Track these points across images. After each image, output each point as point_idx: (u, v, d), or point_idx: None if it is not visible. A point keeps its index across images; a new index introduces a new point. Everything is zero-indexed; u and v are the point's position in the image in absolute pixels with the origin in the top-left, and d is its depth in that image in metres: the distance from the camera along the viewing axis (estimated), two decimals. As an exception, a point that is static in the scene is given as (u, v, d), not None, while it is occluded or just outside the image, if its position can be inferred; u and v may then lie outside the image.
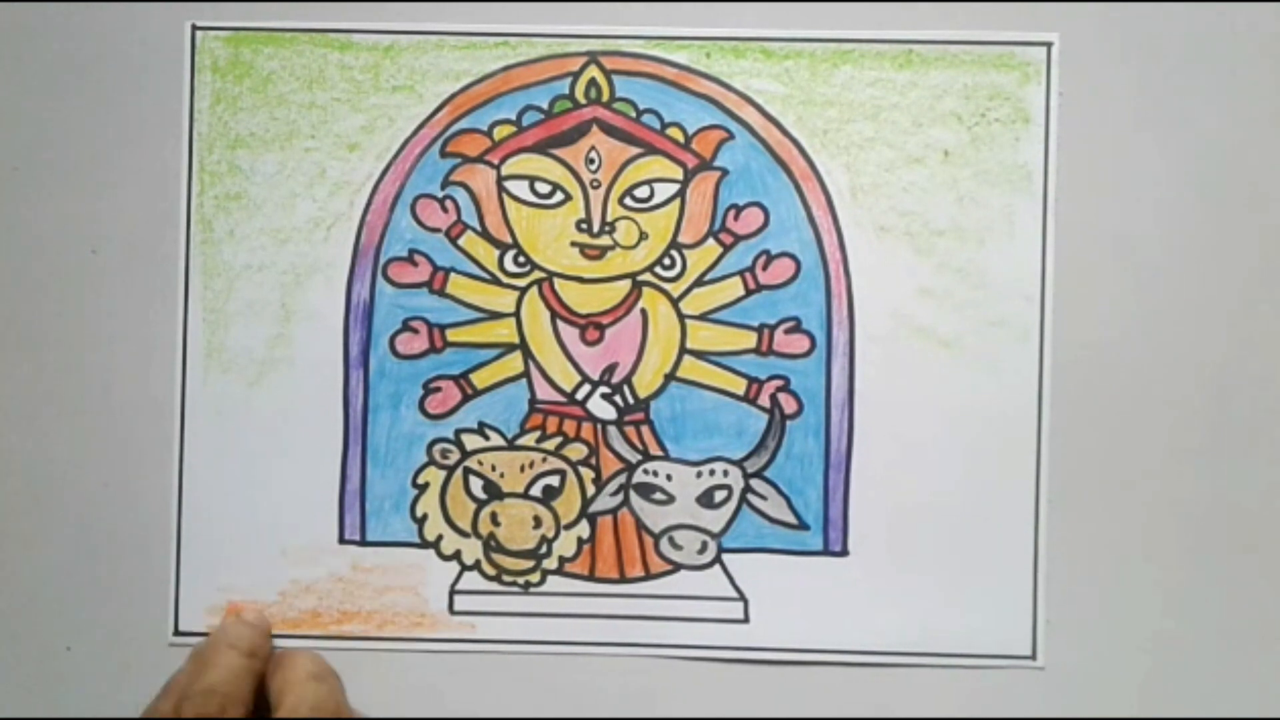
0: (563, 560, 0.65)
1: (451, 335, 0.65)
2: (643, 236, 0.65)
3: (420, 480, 0.65)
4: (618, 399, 0.65)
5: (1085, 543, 0.64)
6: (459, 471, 0.65)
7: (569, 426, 0.65)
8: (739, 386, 0.65)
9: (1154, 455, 0.64)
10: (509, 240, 0.65)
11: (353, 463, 0.65)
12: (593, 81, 0.65)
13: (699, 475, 0.65)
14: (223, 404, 0.65)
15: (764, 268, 0.65)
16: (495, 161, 0.65)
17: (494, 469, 0.65)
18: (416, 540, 0.65)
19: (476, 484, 0.65)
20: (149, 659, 0.65)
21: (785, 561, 0.65)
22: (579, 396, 0.65)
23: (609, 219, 0.65)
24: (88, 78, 0.65)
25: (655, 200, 0.65)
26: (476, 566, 0.65)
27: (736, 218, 0.65)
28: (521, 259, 0.65)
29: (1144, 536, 0.64)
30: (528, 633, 0.65)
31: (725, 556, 0.65)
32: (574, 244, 0.65)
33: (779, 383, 0.65)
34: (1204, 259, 0.64)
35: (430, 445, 0.65)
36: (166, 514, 0.65)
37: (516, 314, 0.65)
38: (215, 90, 0.65)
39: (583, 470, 0.65)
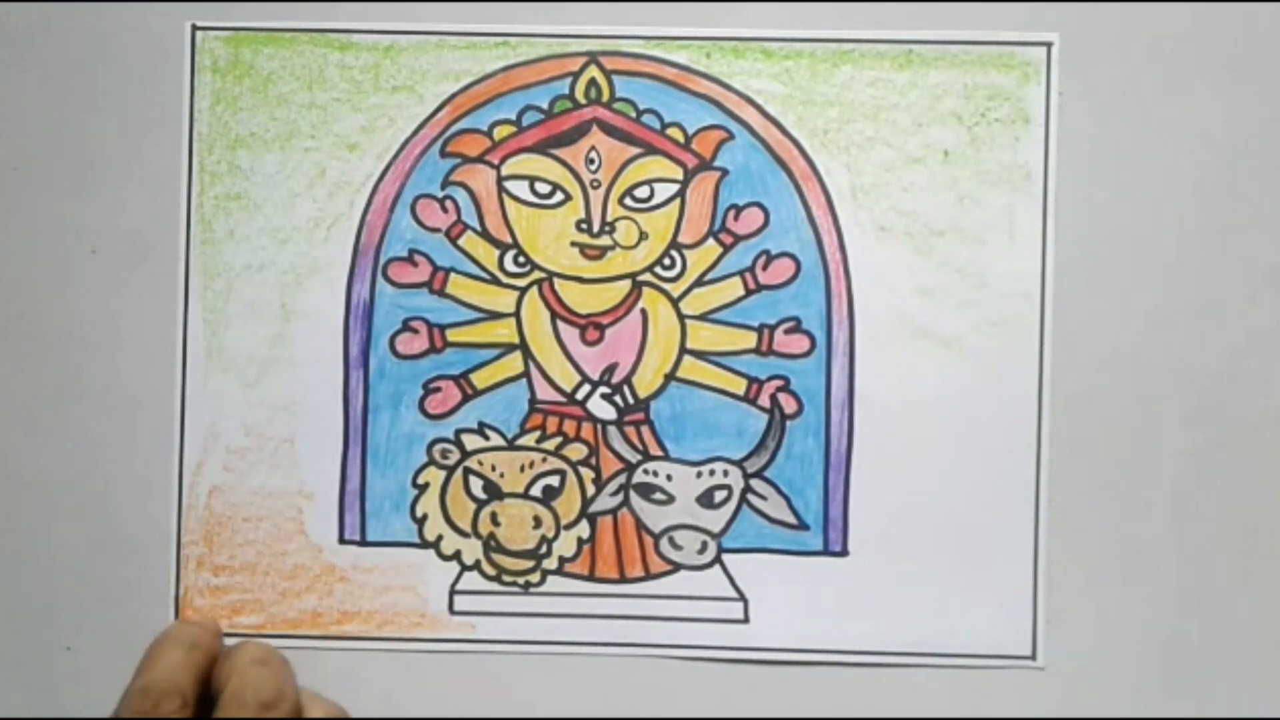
0: (563, 560, 0.65)
1: (451, 335, 0.65)
2: (643, 236, 0.65)
3: (420, 480, 0.65)
4: (618, 399, 0.65)
5: (1085, 543, 0.64)
6: (459, 471, 0.65)
7: (569, 426, 0.65)
8: (739, 386, 0.65)
9: (1154, 455, 0.64)
10: (509, 240, 0.65)
11: (353, 463, 0.65)
12: (593, 81, 0.65)
13: (699, 475, 0.65)
14: (223, 404, 0.65)
15: (764, 268, 0.65)
16: (495, 161, 0.65)
17: (494, 469, 0.65)
18: (416, 540, 0.65)
19: (476, 484, 0.65)
20: (149, 659, 0.65)
21: (785, 561, 0.65)
22: (579, 396, 0.65)
23: (609, 219, 0.65)
24: (88, 78, 0.65)
25: (655, 200, 0.65)
26: (476, 566, 0.65)
27: (736, 218, 0.65)
28: (521, 259, 0.65)
29: (1144, 536, 0.64)
30: (528, 633, 0.65)
31: (725, 556, 0.65)
32: (574, 244, 0.65)
33: (779, 383, 0.65)
34: (1204, 259, 0.64)
35: (430, 445, 0.65)
36: (166, 514, 0.65)
37: (516, 314, 0.65)
38: (215, 90, 0.65)
39: (583, 470, 0.65)
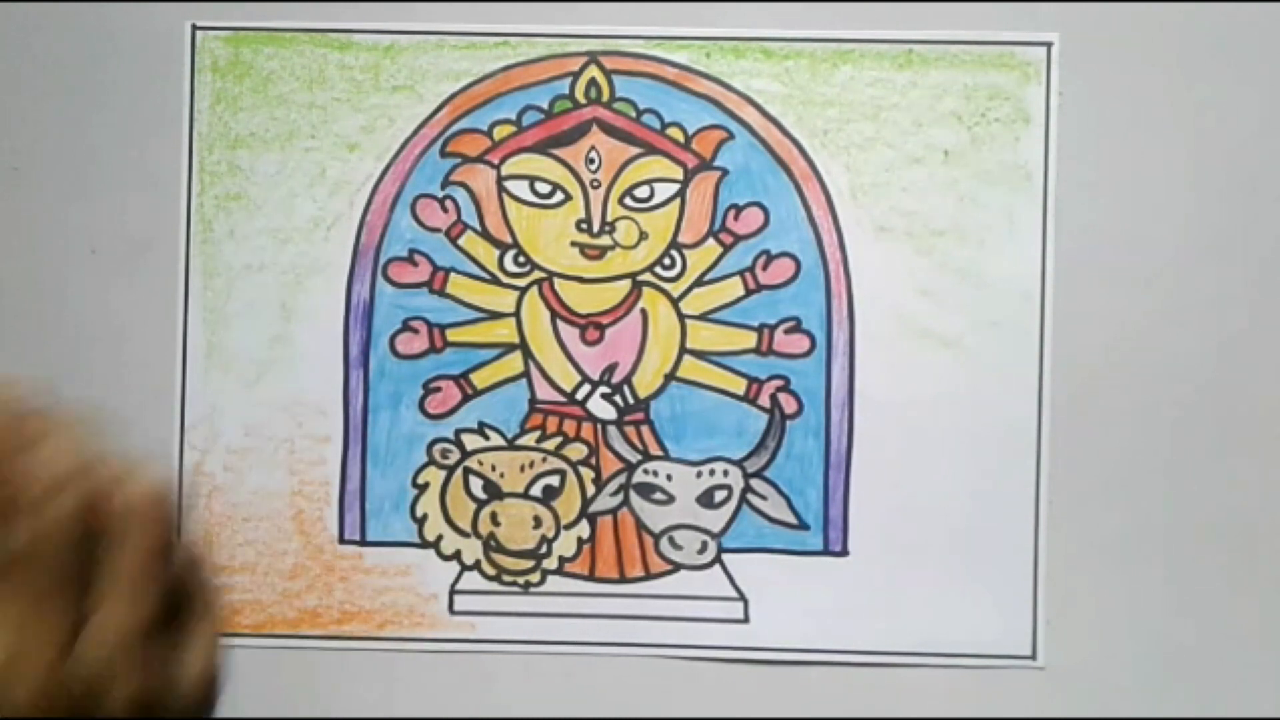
0: (563, 560, 0.65)
1: (451, 335, 0.65)
2: (643, 236, 0.65)
3: (420, 480, 0.65)
4: (618, 399, 0.65)
5: (1085, 543, 0.64)
6: (459, 471, 0.65)
7: (569, 426, 0.65)
8: (739, 386, 0.65)
9: (1154, 455, 0.64)
10: (509, 240, 0.65)
11: (353, 463, 0.65)
12: (593, 81, 0.65)
13: (699, 475, 0.65)
14: (223, 404, 0.65)
15: (764, 268, 0.65)
16: (495, 161, 0.65)
17: (494, 469, 0.65)
18: (416, 540, 0.65)
19: (476, 484, 0.65)
20: (149, 659, 0.65)
21: (785, 561, 0.65)
22: (579, 396, 0.65)
23: (609, 219, 0.65)
24: (88, 78, 0.65)
25: (655, 200, 0.65)
26: (476, 566, 0.65)
27: (736, 218, 0.65)
28: (521, 259, 0.65)
29: (1144, 536, 0.64)
30: (528, 633, 0.65)
31: (725, 556, 0.65)
32: (574, 244, 0.65)
33: (779, 383, 0.65)
34: (1203, 259, 0.64)
35: (430, 445, 0.65)
36: (166, 514, 0.65)
37: (516, 314, 0.65)
38: (215, 90, 0.65)
39: (583, 470, 0.65)
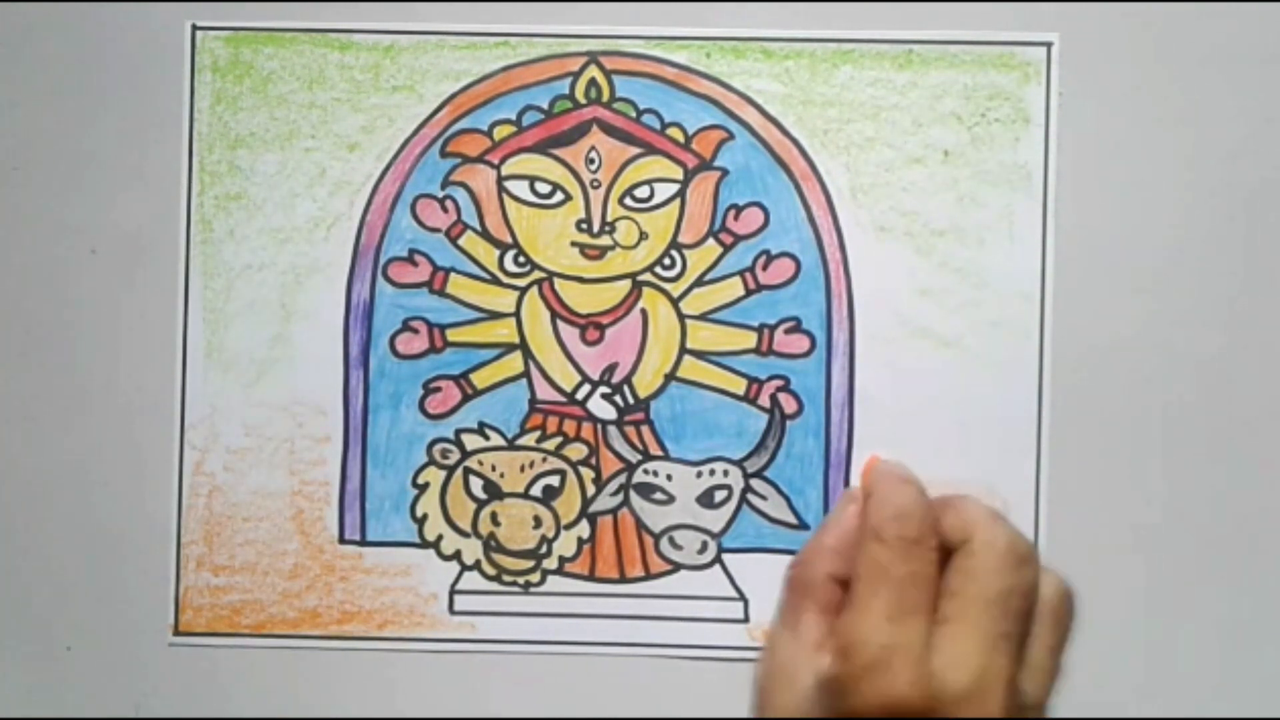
0: (563, 560, 0.65)
1: (451, 335, 0.65)
2: (643, 236, 0.65)
3: (420, 480, 0.65)
4: (618, 399, 0.65)
5: (1085, 542, 0.64)
6: (459, 471, 0.65)
7: (569, 426, 0.65)
8: (739, 386, 0.65)
9: (1154, 454, 0.64)
10: (509, 240, 0.65)
11: (353, 463, 0.65)
12: (593, 81, 0.65)
13: (699, 475, 0.65)
14: (222, 404, 0.65)
15: (764, 268, 0.65)
16: (495, 161, 0.65)
17: (494, 469, 0.65)
18: (416, 540, 0.65)
19: (476, 484, 0.65)
20: (149, 659, 0.65)
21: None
22: (579, 396, 0.65)
23: (609, 219, 0.65)
24: (88, 78, 0.65)
25: (655, 200, 0.65)
26: (476, 566, 0.65)
27: (736, 218, 0.65)
28: (521, 259, 0.65)
29: (1144, 536, 0.64)
30: (528, 633, 0.65)
31: (725, 556, 0.65)
32: (574, 244, 0.65)
33: (779, 383, 0.65)
34: (1203, 259, 0.64)
35: (430, 445, 0.65)
36: (166, 514, 0.65)
37: (516, 314, 0.65)
38: (215, 90, 0.65)
39: (583, 470, 0.65)
